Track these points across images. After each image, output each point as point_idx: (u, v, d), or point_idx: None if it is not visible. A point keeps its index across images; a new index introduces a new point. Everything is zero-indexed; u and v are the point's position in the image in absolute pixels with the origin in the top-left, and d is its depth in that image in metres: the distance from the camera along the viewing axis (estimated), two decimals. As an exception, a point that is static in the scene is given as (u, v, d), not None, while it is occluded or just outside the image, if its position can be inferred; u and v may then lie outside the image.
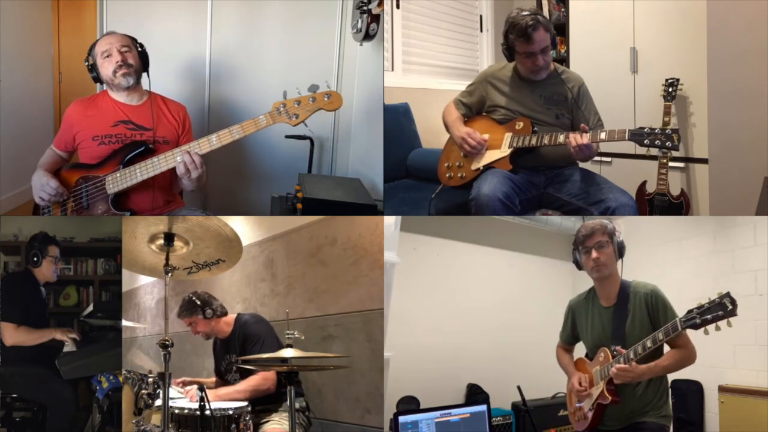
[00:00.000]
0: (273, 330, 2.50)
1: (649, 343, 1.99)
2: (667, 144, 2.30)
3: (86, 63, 2.59)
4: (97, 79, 2.61)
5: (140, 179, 2.43)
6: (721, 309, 1.85)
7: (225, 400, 2.27)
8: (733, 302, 1.84)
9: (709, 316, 1.86)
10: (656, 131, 2.31)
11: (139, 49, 2.61)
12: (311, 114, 2.44)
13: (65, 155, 2.67)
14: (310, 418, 2.50)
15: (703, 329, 1.89)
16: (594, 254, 2.16)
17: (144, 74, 2.62)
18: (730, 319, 1.85)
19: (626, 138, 2.34)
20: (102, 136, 2.54)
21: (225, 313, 2.61)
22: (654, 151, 3.20)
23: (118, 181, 2.45)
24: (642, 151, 2.56)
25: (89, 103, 2.65)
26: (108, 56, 2.54)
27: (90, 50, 2.60)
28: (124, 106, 2.60)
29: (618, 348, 2.08)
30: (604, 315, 2.20)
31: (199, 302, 2.54)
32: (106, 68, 2.55)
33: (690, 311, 1.91)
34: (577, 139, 2.39)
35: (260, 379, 2.37)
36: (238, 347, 2.51)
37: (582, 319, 2.31)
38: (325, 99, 2.44)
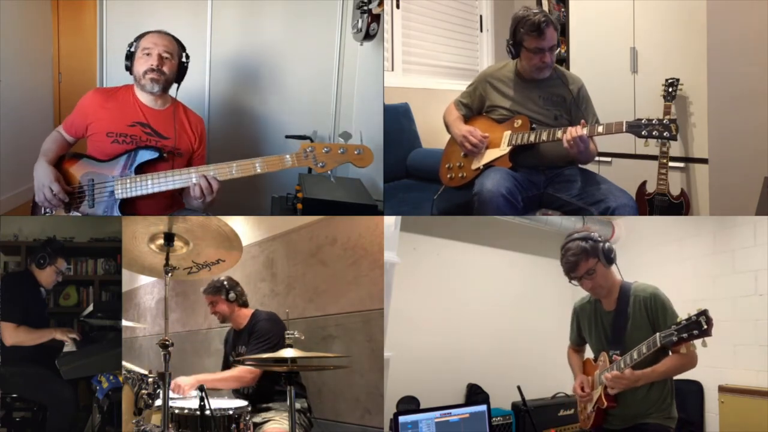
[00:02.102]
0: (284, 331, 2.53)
1: (635, 355, 1.99)
2: (665, 134, 2.28)
3: (128, 49, 2.50)
4: (129, 69, 2.52)
5: (151, 191, 2.36)
6: (696, 327, 1.84)
7: (207, 385, 2.30)
8: (709, 321, 1.83)
9: (685, 334, 1.86)
10: (654, 122, 2.29)
11: (183, 59, 2.53)
12: (338, 165, 2.34)
13: (72, 140, 2.58)
14: (312, 419, 2.50)
15: (701, 341, 1.88)
16: (586, 284, 2.14)
17: (175, 84, 2.56)
18: (706, 339, 1.85)
19: (624, 130, 2.33)
20: (116, 134, 2.46)
21: (246, 304, 2.70)
22: (654, 151, 3.22)
23: (127, 188, 2.38)
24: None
25: (110, 96, 2.55)
26: (147, 54, 2.46)
27: (137, 38, 2.52)
28: (146, 108, 2.52)
29: (615, 356, 2.09)
30: (606, 319, 2.20)
31: (226, 284, 2.66)
32: (141, 65, 2.47)
33: (668, 326, 1.92)
34: (572, 132, 2.38)
35: (245, 371, 2.42)
36: (247, 340, 2.56)
37: (585, 323, 2.30)
38: (356, 153, 2.32)
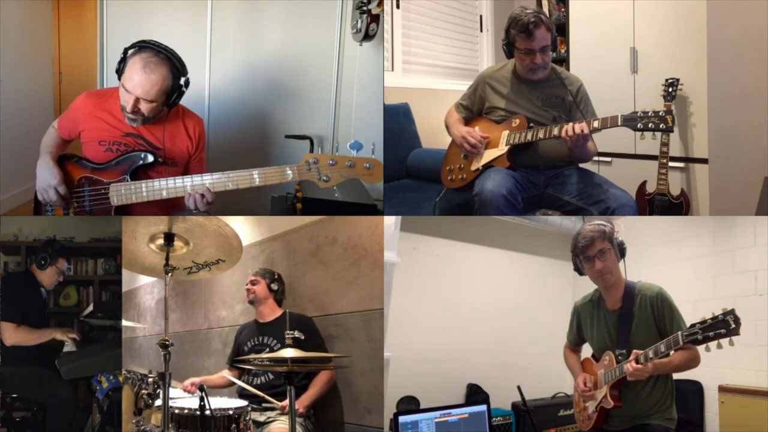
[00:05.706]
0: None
1: (651, 354, 1.97)
2: (660, 126, 2.26)
3: (122, 54, 2.30)
4: (119, 75, 2.34)
5: (145, 199, 2.33)
6: (723, 327, 1.82)
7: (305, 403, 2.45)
8: (737, 320, 1.80)
9: (711, 333, 1.84)
10: (649, 114, 2.27)
11: (181, 82, 2.32)
12: (345, 180, 2.12)
13: (68, 139, 2.52)
14: (315, 423, 2.52)
15: (705, 346, 1.87)
16: (598, 264, 2.13)
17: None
18: (733, 338, 1.82)
19: (619, 123, 2.31)
20: (109, 143, 2.40)
21: (280, 303, 2.79)
22: (654, 151, 3.22)
23: (122, 195, 2.35)
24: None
25: (102, 102, 2.43)
26: (128, 92, 2.28)
27: (134, 50, 2.29)
28: None
29: (635, 351, 2.08)
30: (610, 318, 2.19)
31: (276, 275, 2.78)
32: (121, 95, 2.32)
33: (693, 325, 1.89)
34: (569, 129, 2.36)
35: (330, 376, 2.55)
36: (282, 332, 2.45)
37: (587, 322, 2.30)
38: (366, 167, 2.09)
